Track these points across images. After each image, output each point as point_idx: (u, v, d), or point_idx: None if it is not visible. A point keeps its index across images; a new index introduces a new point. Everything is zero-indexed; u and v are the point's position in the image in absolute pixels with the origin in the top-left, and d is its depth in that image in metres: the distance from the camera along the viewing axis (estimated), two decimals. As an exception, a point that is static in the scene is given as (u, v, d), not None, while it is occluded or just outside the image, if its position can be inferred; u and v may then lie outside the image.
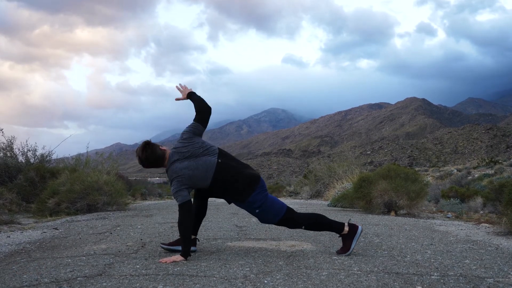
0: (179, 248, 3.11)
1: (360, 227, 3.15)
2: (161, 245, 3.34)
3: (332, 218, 3.27)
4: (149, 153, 3.02)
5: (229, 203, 3.24)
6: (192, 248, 3.21)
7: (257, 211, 3.06)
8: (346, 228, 3.12)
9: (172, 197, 20.44)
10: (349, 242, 3.11)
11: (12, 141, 10.13)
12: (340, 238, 3.20)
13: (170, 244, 3.29)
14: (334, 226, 3.14)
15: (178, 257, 2.89)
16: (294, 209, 3.20)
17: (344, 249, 3.11)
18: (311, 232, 4.38)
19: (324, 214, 3.26)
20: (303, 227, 3.14)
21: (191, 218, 3.00)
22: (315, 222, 3.16)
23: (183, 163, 2.98)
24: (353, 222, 3.20)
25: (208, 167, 2.99)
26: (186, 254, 2.92)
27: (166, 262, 2.82)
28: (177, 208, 3.04)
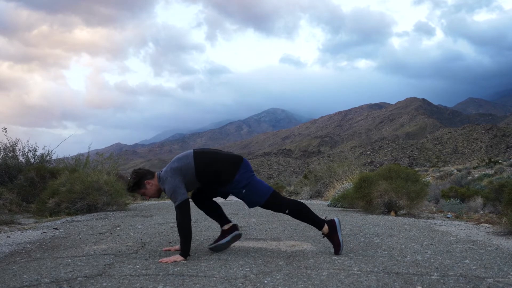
0: (225, 240, 3.21)
1: (336, 219, 3.19)
2: (209, 247, 3.33)
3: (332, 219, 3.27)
4: (130, 179, 3.20)
5: (225, 198, 3.33)
6: (236, 233, 3.31)
7: (243, 191, 3.10)
8: (326, 227, 3.15)
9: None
10: (335, 237, 3.13)
11: (16, 143, 10.13)
12: (325, 238, 3.26)
13: (215, 241, 3.31)
14: (316, 221, 3.17)
15: (178, 257, 2.89)
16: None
17: (336, 246, 3.13)
18: (311, 232, 4.38)
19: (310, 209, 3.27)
20: (287, 211, 3.17)
21: (189, 217, 3.02)
22: (298, 209, 3.19)
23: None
24: (328, 219, 3.24)
25: (188, 156, 3.13)
26: (185, 254, 2.92)
27: (166, 262, 2.82)
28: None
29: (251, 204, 3.18)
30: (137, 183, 3.15)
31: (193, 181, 3.14)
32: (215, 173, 3.10)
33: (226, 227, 3.35)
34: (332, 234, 3.14)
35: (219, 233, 4.39)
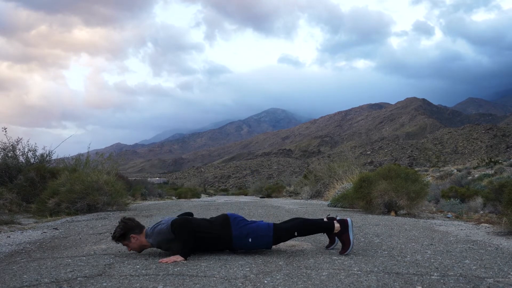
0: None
1: (349, 219, 3.20)
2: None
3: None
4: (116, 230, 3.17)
5: (231, 250, 3.25)
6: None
7: (249, 240, 3.10)
8: (337, 225, 3.17)
9: (172, 198, 20.41)
10: (346, 236, 3.14)
11: (17, 142, 10.13)
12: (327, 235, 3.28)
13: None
14: (325, 226, 3.19)
15: (178, 257, 2.89)
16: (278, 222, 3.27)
17: (346, 245, 3.13)
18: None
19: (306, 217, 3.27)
20: (296, 233, 3.17)
21: (188, 226, 3.01)
22: (305, 229, 3.19)
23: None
24: (339, 218, 3.26)
25: (165, 225, 3.12)
26: (186, 255, 2.93)
27: (166, 262, 2.82)
28: (177, 214, 3.08)
29: (265, 246, 3.17)
30: (123, 234, 3.13)
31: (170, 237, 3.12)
32: (209, 239, 3.11)
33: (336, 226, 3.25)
34: (343, 233, 3.15)
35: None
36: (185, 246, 2.94)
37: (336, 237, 3.31)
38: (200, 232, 3.09)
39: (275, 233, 3.12)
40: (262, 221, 3.31)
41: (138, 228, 3.17)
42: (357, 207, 8.14)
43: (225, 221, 3.16)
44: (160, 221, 3.17)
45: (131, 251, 3.22)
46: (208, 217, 3.35)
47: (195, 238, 3.05)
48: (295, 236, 3.19)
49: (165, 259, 2.86)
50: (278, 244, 3.61)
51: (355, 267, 2.67)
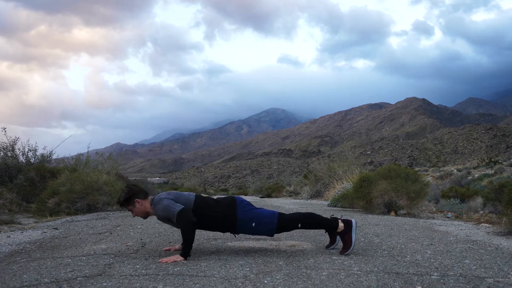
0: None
1: (353, 221, 3.21)
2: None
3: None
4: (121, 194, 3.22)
5: (233, 233, 3.26)
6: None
7: (253, 224, 3.12)
8: (341, 224, 3.18)
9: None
10: (348, 236, 3.15)
11: (15, 141, 10.14)
12: (327, 233, 3.33)
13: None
14: (330, 224, 3.21)
15: (178, 257, 2.89)
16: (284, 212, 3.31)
17: (347, 245, 3.14)
18: (311, 232, 4.38)
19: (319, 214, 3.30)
20: (299, 225, 3.18)
21: (191, 222, 3.00)
22: (309, 222, 3.22)
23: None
24: (344, 218, 3.29)
25: (190, 193, 3.23)
26: (186, 255, 2.93)
27: (166, 262, 2.82)
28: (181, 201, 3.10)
29: (268, 233, 3.18)
30: (128, 199, 3.16)
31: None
32: (214, 217, 3.13)
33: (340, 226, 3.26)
34: (346, 233, 3.16)
35: (219, 233, 4.39)
36: (186, 247, 2.94)
37: (337, 237, 3.32)
38: (207, 211, 3.12)
39: (279, 221, 3.14)
40: (267, 209, 3.32)
41: (143, 193, 3.20)
42: (357, 207, 8.14)
43: (232, 203, 3.18)
44: (169, 193, 3.16)
45: (135, 217, 3.25)
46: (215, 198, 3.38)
47: (201, 216, 3.09)
48: (298, 228, 3.20)
49: (165, 259, 2.86)
50: (278, 244, 3.61)
51: (355, 267, 2.67)
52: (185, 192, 3.25)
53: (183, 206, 3.03)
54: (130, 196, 3.15)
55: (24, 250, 3.45)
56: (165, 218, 3.09)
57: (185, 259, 2.91)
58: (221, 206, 3.17)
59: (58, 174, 8.47)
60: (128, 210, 3.22)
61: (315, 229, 3.34)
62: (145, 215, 3.23)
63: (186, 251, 2.93)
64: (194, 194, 3.24)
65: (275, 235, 4.27)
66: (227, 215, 3.13)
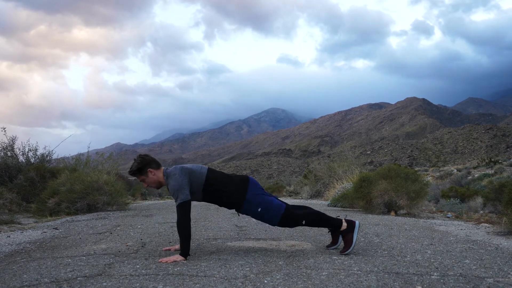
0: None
1: (357, 222, 3.23)
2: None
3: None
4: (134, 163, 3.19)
5: (238, 211, 3.27)
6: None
7: (259, 209, 3.13)
8: (345, 224, 3.20)
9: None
10: (350, 235, 3.16)
11: (14, 140, 10.14)
12: (330, 233, 3.34)
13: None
14: (334, 223, 3.22)
15: (178, 257, 2.89)
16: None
17: (348, 245, 3.15)
18: (311, 232, 4.38)
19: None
20: (304, 222, 3.18)
21: (189, 218, 3.02)
22: (315, 220, 3.22)
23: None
24: (349, 218, 3.30)
25: (202, 167, 3.22)
26: (185, 254, 2.93)
27: (166, 262, 2.82)
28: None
29: (271, 222, 3.18)
30: (140, 169, 3.14)
31: (197, 191, 3.16)
32: (224, 192, 3.14)
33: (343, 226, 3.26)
34: (348, 232, 3.17)
35: (219, 233, 4.39)
36: (183, 243, 2.94)
37: (339, 239, 3.33)
38: (218, 186, 3.13)
39: (284, 214, 3.14)
40: (276, 199, 3.30)
41: (155, 163, 3.18)
42: (357, 207, 8.14)
43: (244, 182, 3.19)
44: (182, 169, 3.12)
45: (148, 188, 3.26)
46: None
47: (211, 193, 3.12)
48: (302, 225, 3.19)
49: (165, 259, 2.86)
50: (278, 244, 3.61)
51: (355, 267, 2.67)
52: (197, 167, 3.18)
53: (188, 198, 3.02)
54: (142, 166, 3.13)
55: (24, 250, 3.45)
56: (173, 195, 3.10)
57: (185, 258, 2.91)
58: (233, 183, 3.17)
59: (58, 174, 8.47)
60: (140, 181, 3.19)
61: (318, 227, 3.34)
62: (158, 185, 3.21)
63: (184, 249, 2.93)
64: (206, 169, 3.20)
65: (276, 232, 4.27)
66: (236, 193, 3.13)
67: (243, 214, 3.25)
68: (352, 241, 3.13)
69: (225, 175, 3.25)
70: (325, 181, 15.03)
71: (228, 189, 3.15)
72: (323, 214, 3.27)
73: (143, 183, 3.21)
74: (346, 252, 3.11)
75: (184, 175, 3.08)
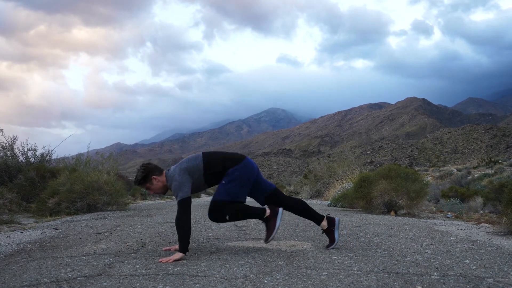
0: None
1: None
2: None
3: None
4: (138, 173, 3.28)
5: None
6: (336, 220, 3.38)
7: (223, 181, 3.17)
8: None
9: (172, 198, 20.40)
10: (273, 222, 3.23)
11: (14, 140, 10.14)
12: (324, 233, 3.43)
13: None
14: (258, 213, 3.24)
15: (177, 255, 2.90)
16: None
17: (270, 231, 3.23)
18: (311, 232, 4.38)
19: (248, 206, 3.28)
20: (227, 217, 3.17)
21: (188, 215, 3.04)
22: (238, 214, 3.23)
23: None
24: (331, 216, 3.42)
25: (197, 158, 3.25)
26: (184, 250, 2.95)
27: (166, 261, 2.82)
28: (176, 207, 3.10)
29: (215, 196, 3.19)
30: (145, 177, 3.22)
31: (200, 182, 3.22)
32: (222, 168, 3.20)
33: (324, 224, 3.37)
34: (272, 218, 3.22)
35: (219, 233, 4.39)
36: (182, 242, 2.96)
37: (336, 236, 3.36)
38: (214, 168, 3.19)
39: (218, 204, 3.16)
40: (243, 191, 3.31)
41: (158, 170, 3.27)
42: (357, 207, 8.14)
43: (241, 158, 3.26)
44: (181, 167, 3.17)
45: (152, 198, 3.34)
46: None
47: (210, 174, 3.18)
48: (226, 220, 3.19)
49: (165, 259, 2.86)
50: (278, 244, 3.61)
51: (355, 267, 2.67)
52: (193, 163, 3.20)
53: (188, 195, 3.07)
54: (146, 174, 3.22)
55: (24, 250, 3.44)
56: (174, 191, 3.15)
57: (184, 254, 2.93)
58: (229, 158, 3.25)
59: (58, 174, 8.47)
60: (146, 189, 3.28)
61: (302, 217, 3.47)
62: (164, 190, 3.28)
63: (183, 245, 2.94)
64: (201, 158, 3.21)
65: (276, 234, 4.28)
66: (229, 160, 3.21)
67: (214, 185, 3.30)
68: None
69: (220, 157, 3.27)
70: (325, 181, 15.04)
71: (223, 163, 3.21)
72: (310, 210, 3.38)
73: (149, 191, 3.28)
74: (269, 239, 3.17)
75: (183, 174, 3.14)
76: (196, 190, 3.28)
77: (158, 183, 3.23)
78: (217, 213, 3.18)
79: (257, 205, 3.36)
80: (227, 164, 3.20)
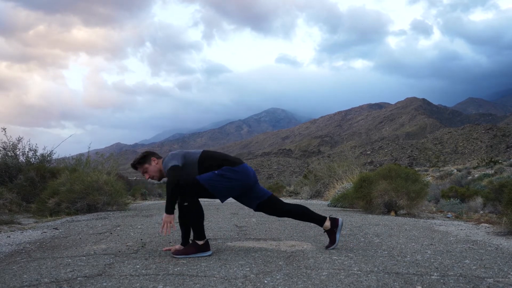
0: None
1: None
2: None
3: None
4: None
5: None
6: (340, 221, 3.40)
7: (215, 171, 3.13)
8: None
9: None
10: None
11: (19, 141, 10.13)
12: (326, 233, 3.45)
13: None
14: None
15: (164, 218, 3.00)
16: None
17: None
18: (311, 232, 4.38)
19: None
20: (185, 204, 3.11)
21: (177, 177, 3.01)
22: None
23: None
24: (334, 216, 3.42)
25: (196, 152, 3.27)
26: (168, 210, 3.00)
27: (162, 229, 2.98)
28: (177, 204, 3.15)
29: (199, 176, 3.14)
30: (145, 157, 3.29)
31: (194, 172, 3.18)
32: (218, 166, 3.17)
33: (327, 224, 3.37)
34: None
35: (219, 233, 4.39)
36: (167, 202, 3.00)
37: (337, 237, 3.36)
38: (209, 161, 3.19)
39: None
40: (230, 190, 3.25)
41: (158, 155, 3.35)
42: (357, 207, 8.14)
43: (239, 160, 3.25)
44: (177, 154, 3.18)
45: (149, 179, 3.38)
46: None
47: (205, 167, 3.16)
48: (184, 205, 3.13)
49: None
50: (278, 244, 3.61)
51: (355, 267, 2.67)
52: (193, 154, 3.22)
53: (177, 164, 3.06)
54: (147, 154, 3.30)
55: (24, 250, 3.45)
56: (165, 171, 3.16)
57: (169, 214, 2.98)
58: (228, 158, 3.25)
59: (58, 174, 8.47)
60: (143, 172, 3.30)
61: (302, 221, 3.47)
62: (160, 175, 3.30)
63: (168, 206, 2.99)
64: (199, 155, 3.21)
65: (276, 232, 4.26)
66: (222, 164, 3.17)
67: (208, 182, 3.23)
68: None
69: (220, 157, 3.25)
70: (325, 181, 15.03)
71: (220, 162, 3.19)
72: (310, 212, 3.39)
73: (145, 174, 3.30)
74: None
75: (177, 157, 3.15)
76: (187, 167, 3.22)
77: (157, 165, 3.27)
78: (187, 188, 3.07)
79: (250, 210, 3.39)
80: (225, 163, 3.19)
